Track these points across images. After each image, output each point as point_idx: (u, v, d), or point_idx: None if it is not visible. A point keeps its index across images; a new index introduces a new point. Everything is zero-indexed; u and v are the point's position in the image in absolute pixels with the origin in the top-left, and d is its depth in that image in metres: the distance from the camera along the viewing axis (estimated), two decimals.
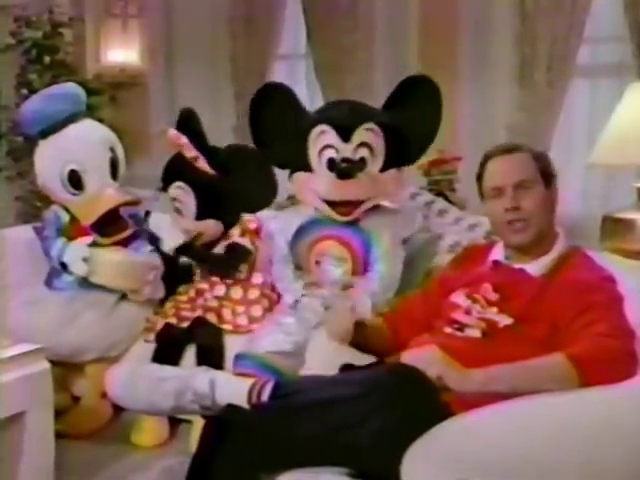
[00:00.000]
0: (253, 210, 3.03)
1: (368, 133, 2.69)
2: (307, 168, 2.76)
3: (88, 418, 2.77)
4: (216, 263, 2.93)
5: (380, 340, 2.12)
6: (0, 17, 4.63)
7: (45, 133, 2.91)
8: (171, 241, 2.94)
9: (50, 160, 2.91)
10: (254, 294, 2.89)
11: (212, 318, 2.80)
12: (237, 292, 2.90)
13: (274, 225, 3.02)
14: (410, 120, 2.69)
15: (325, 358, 2.17)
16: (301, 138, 2.74)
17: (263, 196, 3.00)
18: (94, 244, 2.88)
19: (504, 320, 1.90)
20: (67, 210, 2.97)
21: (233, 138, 4.49)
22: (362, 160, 2.69)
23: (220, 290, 2.90)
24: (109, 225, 2.89)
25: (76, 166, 2.88)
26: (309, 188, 2.77)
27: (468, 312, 1.97)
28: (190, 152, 2.87)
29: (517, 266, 2.01)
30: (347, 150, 2.68)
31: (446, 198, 3.38)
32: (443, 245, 2.86)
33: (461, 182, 3.67)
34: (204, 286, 2.92)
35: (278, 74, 4.51)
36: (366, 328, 2.11)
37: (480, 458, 1.50)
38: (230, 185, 2.91)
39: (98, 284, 2.83)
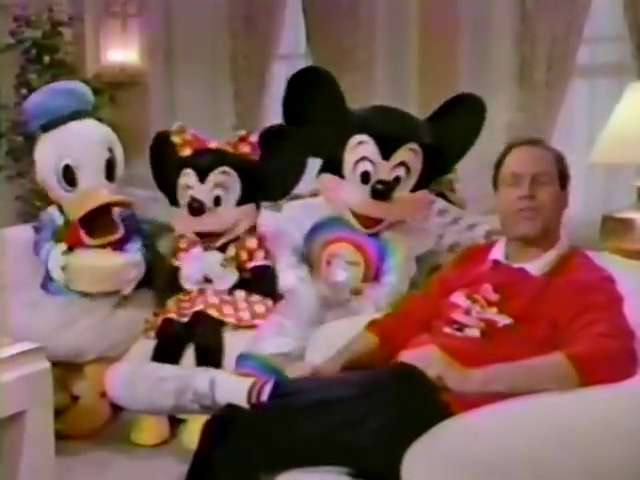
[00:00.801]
0: (286, 191, 3.02)
1: (409, 153, 2.64)
2: (338, 170, 2.71)
3: (87, 418, 2.77)
4: (264, 291, 2.91)
5: (369, 356, 2.05)
6: None
7: (47, 127, 2.91)
8: (224, 282, 2.90)
9: (48, 154, 2.91)
10: (257, 297, 2.89)
11: (213, 312, 2.79)
12: (240, 294, 2.90)
13: (289, 215, 2.98)
14: (452, 133, 2.65)
15: (325, 357, 2.16)
16: (339, 139, 2.68)
17: (295, 175, 2.97)
18: (71, 249, 2.85)
19: (503, 320, 1.90)
20: (62, 212, 2.96)
21: None
22: (397, 179, 2.65)
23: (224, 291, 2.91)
24: (99, 226, 2.88)
25: (71, 161, 2.87)
26: (338, 194, 2.73)
27: (467, 312, 1.97)
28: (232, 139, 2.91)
29: (517, 265, 2.01)
30: (385, 168, 2.63)
31: (446, 198, 3.38)
32: (443, 245, 2.87)
33: (461, 182, 3.67)
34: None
35: (278, 74, 4.50)
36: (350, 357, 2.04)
37: (480, 458, 1.51)
38: (270, 166, 2.91)
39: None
